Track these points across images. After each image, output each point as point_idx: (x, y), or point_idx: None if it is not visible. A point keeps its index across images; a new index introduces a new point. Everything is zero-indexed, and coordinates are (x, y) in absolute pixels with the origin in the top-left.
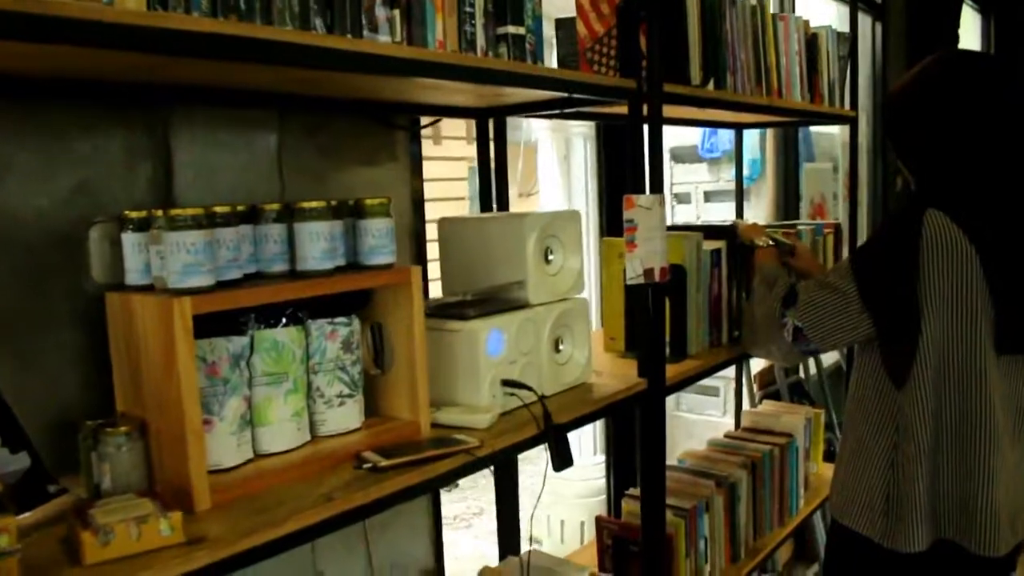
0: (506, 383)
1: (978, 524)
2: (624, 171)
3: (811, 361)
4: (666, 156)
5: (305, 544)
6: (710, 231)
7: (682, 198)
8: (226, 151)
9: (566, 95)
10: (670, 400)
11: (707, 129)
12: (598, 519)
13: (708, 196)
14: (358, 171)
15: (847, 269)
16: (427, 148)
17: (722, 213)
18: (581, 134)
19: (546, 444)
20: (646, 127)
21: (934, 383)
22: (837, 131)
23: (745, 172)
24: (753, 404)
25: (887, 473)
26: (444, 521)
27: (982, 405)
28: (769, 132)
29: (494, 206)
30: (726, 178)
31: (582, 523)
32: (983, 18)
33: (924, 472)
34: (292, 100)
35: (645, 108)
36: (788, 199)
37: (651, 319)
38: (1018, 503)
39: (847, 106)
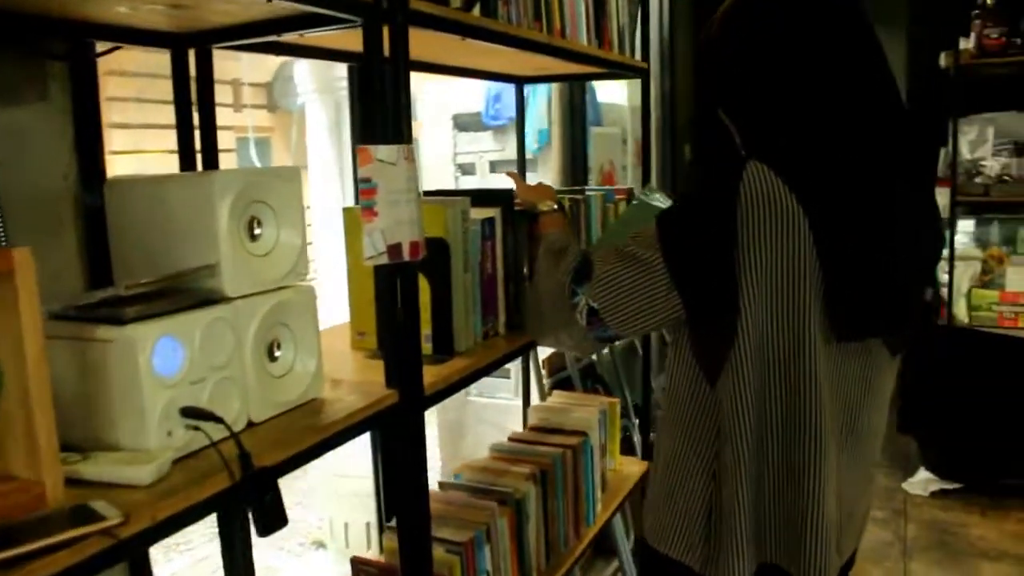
0: (187, 413)
1: (806, 546)
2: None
3: None
4: (448, 124)
5: None
6: (480, 196)
7: (467, 168)
8: None
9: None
10: None
11: (492, 95)
12: (354, 561)
13: (494, 166)
14: None
15: (652, 234)
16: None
17: (509, 184)
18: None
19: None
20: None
21: (756, 375)
22: (624, 100)
23: (532, 142)
24: (543, 395)
25: (708, 488)
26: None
27: (810, 401)
28: (555, 97)
29: (199, 165)
30: (513, 147)
31: (367, 524)
32: None
33: (746, 485)
34: None
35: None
36: (576, 167)
37: (399, 312)
38: (843, 520)
39: (638, 57)
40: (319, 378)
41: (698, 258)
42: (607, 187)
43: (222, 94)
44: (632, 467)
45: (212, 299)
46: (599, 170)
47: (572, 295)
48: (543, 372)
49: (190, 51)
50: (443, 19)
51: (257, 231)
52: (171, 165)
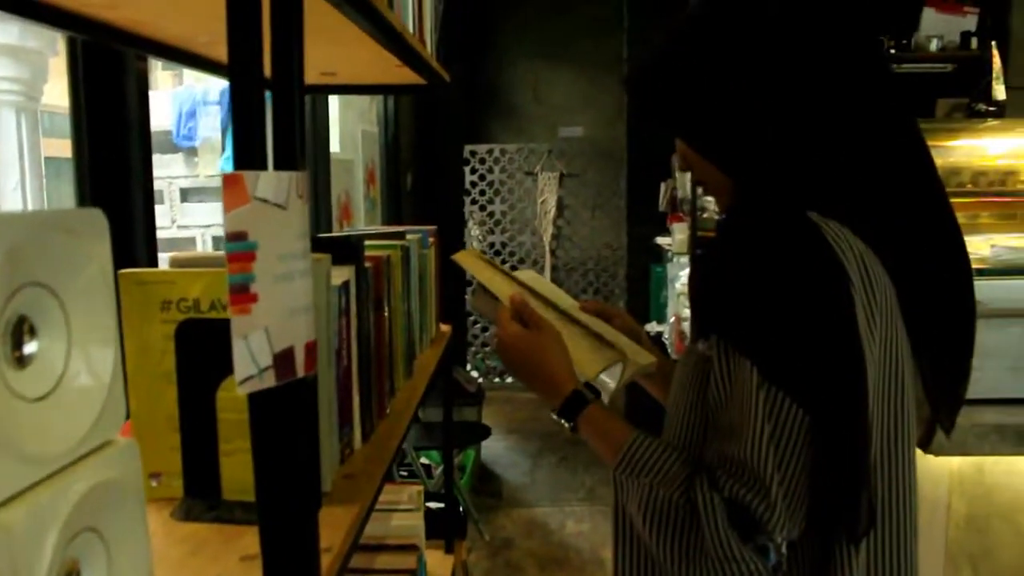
0: None
1: None
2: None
3: None
4: None
5: None
6: (327, 246)
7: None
8: None
9: None
10: None
11: (185, 111)
12: None
13: (186, 194)
14: None
15: (750, 375)
16: None
17: (206, 216)
18: (12, 102)
19: None
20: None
21: None
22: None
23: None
24: None
25: None
26: None
27: (906, 492)
28: None
29: None
30: (208, 172)
31: None
32: None
33: None
34: None
35: None
36: (318, 200)
37: (290, 464)
38: None
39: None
40: None
41: (826, 365)
42: (419, 227)
43: None
44: (439, 564)
45: None
46: (337, 201)
47: (761, 553)
48: None
49: None
50: None
51: (28, 348)
52: None
